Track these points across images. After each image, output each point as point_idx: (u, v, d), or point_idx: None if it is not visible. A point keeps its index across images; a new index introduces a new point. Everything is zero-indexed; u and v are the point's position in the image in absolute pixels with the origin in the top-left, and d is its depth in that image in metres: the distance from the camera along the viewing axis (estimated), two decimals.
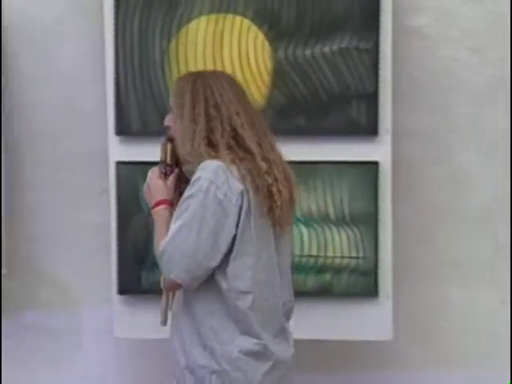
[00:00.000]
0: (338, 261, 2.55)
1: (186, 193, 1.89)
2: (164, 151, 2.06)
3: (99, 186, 2.76)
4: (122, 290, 2.59)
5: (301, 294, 2.51)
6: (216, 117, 1.95)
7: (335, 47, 2.51)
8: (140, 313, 2.59)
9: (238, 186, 1.88)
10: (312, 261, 2.54)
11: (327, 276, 2.55)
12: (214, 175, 1.86)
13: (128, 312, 2.61)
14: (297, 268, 2.52)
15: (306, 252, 2.55)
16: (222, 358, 1.90)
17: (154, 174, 2.04)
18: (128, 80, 2.53)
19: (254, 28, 2.51)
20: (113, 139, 2.57)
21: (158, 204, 1.99)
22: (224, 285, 1.89)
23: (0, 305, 2.81)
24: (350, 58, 2.51)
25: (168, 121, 2.07)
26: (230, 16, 2.52)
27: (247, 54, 2.52)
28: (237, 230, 1.88)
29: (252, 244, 1.90)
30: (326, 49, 2.51)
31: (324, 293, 2.55)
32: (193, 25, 2.52)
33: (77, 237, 2.90)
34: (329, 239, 2.54)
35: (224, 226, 1.86)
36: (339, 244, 2.55)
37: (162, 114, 2.46)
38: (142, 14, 2.52)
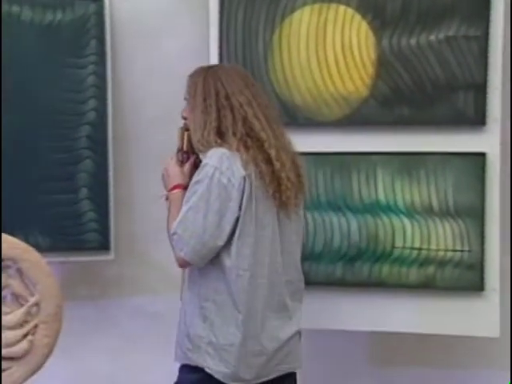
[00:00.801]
0: (441, 254, 2.49)
1: (194, 178, 2.06)
2: (181, 139, 2.21)
3: None
4: None
5: (403, 286, 2.52)
6: (226, 106, 2.09)
7: (442, 36, 2.44)
8: None
9: (241, 172, 2.03)
10: (415, 253, 2.50)
11: (430, 269, 2.50)
12: (218, 162, 2.02)
13: None
14: (399, 260, 2.50)
15: (408, 244, 2.51)
16: (219, 332, 2.04)
17: (172, 160, 2.20)
18: None
19: (358, 17, 2.49)
20: None
21: (174, 188, 2.15)
22: (228, 262, 2.04)
23: None
24: (457, 47, 2.44)
25: (184, 112, 2.20)
26: (333, 5, 2.50)
27: (350, 44, 2.49)
28: (239, 213, 2.02)
29: (252, 225, 2.04)
30: (433, 37, 2.45)
31: (427, 286, 2.50)
32: (296, 15, 2.52)
33: None
34: (432, 231, 2.49)
35: (228, 208, 2.01)
36: (443, 237, 2.49)
37: None
38: (247, 6, 2.54)
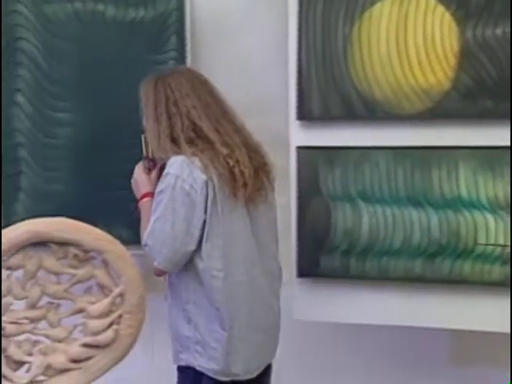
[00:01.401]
0: None
1: (158, 188, 2.10)
2: (146, 147, 2.26)
3: (280, 170, 2.82)
4: (301, 273, 2.63)
5: (485, 284, 2.45)
6: (176, 113, 2.14)
7: None
8: (318, 296, 2.62)
9: (202, 177, 2.07)
10: (498, 250, 2.43)
11: None
12: (179, 170, 2.06)
13: (306, 295, 2.65)
14: (481, 257, 2.44)
15: (491, 241, 2.44)
16: (204, 330, 2.09)
17: (139, 168, 2.27)
18: (310, 66, 2.54)
19: (441, 8, 2.43)
20: (294, 124, 2.61)
21: (143, 196, 2.21)
22: (200, 265, 2.08)
23: None
24: None
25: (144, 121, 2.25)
26: None
27: (433, 35, 2.44)
28: (205, 216, 2.07)
29: (219, 227, 2.09)
30: None
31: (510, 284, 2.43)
32: (376, 8, 2.48)
33: None
34: None
35: (193, 214, 2.06)
36: None
37: (344, 100, 2.53)
38: (326, 0, 2.53)
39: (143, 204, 2.20)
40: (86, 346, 1.74)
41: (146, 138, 2.26)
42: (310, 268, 2.61)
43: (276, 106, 2.81)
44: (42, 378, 1.72)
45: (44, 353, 1.71)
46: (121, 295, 1.78)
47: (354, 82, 2.50)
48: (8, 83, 2.59)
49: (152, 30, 2.66)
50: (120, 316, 1.77)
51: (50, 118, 2.64)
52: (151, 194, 2.18)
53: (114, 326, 1.76)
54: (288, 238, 2.64)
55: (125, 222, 2.65)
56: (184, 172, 2.07)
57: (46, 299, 1.76)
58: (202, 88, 2.23)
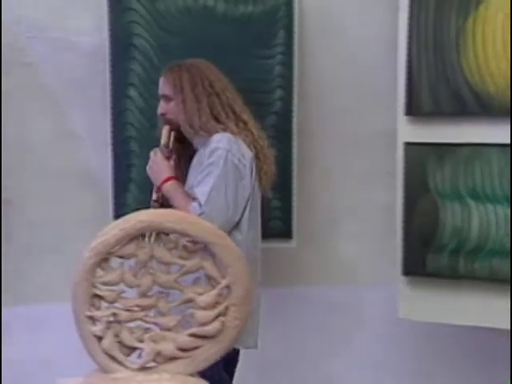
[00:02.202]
0: None
1: (206, 161, 2.21)
2: (167, 137, 2.35)
3: (387, 166, 2.78)
4: (407, 272, 2.58)
5: None
6: (212, 93, 2.31)
7: None
8: (424, 295, 2.57)
9: (249, 153, 2.27)
10: None
11: None
12: (228, 145, 2.21)
13: (411, 294, 2.60)
14: None
15: None
16: None
17: (158, 156, 2.33)
18: (421, 60, 2.49)
19: None
20: (402, 120, 2.56)
21: (167, 180, 2.28)
22: (239, 236, 2.22)
23: None
24: None
25: (163, 109, 2.37)
26: None
27: None
28: (250, 190, 2.25)
29: (255, 201, 2.30)
30: None
31: None
32: (494, 0, 2.40)
33: (364, 215, 2.97)
34: None
35: (241, 186, 2.22)
36: None
37: (455, 94, 2.46)
38: None
39: (170, 186, 2.28)
40: (193, 335, 1.77)
41: (169, 129, 2.36)
42: (416, 266, 2.56)
43: (383, 101, 2.78)
44: (152, 364, 1.77)
45: (154, 340, 1.76)
46: (227, 287, 1.80)
47: (466, 76, 2.43)
48: (121, 78, 2.67)
49: (260, 24, 2.68)
50: (226, 308, 1.79)
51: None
52: (174, 178, 2.29)
53: (221, 318, 1.78)
54: (393, 236, 2.61)
55: None
56: (233, 147, 2.22)
57: (156, 288, 1.81)
58: (224, 76, 2.39)
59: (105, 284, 1.77)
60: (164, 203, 2.31)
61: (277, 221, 2.78)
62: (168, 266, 1.81)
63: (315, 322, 3.03)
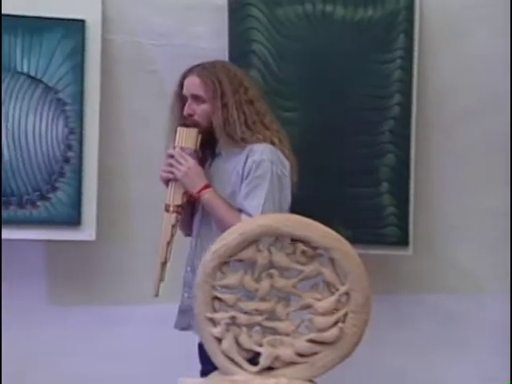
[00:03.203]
0: None
1: (253, 173, 2.15)
2: (195, 139, 2.22)
3: (506, 171, 2.70)
4: None
5: None
6: (248, 101, 2.22)
7: None
8: None
9: (287, 162, 2.22)
10: None
11: None
12: (271, 156, 2.17)
13: None
14: None
15: None
16: None
17: (191, 161, 2.21)
18: None
19: None
20: None
21: (205, 187, 2.20)
22: None
23: None
24: None
25: (192, 110, 2.24)
26: None
27: None
28: (290, 199, 2.21)
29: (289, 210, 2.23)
30: None
31: None
32: None
33: (482, 221, 2.89)
34: None
35: (284, 196, 2.19)
36: None
37: None
38: None
39: (210, 194, 2.20)
40: (311, 341, 1.77)
41: (198, 130, 2.25)
42: None
43: (504, 104, 2.70)
44: (270, 368, 1.78)
45: (272, 344, 1.77)
46: (346, 294, 1.78)
47: None
48: None
49: (380, 29, 2.66)
50: (345, 314, 1.78)
51: (277, 117, 2.72)
52: (210, 185, 2.21)
53: (340, 324, 1.77)
54: (506, 245, 2.52)
55: (343, 220, 2.67)
56: (275, 158, 2.18)
57: (274, 293, 1.82)
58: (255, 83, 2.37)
59: (224, 287, 1.80)
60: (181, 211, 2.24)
61: (393, 227, 2.74)
62: (286, 271, 1.82)
63: (431, 331, 2.97)
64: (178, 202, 2.24)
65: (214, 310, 1.80)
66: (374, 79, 2.68)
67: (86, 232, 2.66)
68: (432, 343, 2.96)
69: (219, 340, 1.79)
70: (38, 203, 2.63)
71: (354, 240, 2.55)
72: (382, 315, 2.94)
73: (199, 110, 2.26)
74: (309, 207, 2.55)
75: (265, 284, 1.80)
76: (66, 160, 2.66)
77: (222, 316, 1.78)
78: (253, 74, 2.69)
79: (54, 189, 2.65)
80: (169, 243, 2.21)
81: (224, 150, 2.27)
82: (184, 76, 2.30)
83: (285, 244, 1.81)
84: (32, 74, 2.62)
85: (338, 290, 1.79)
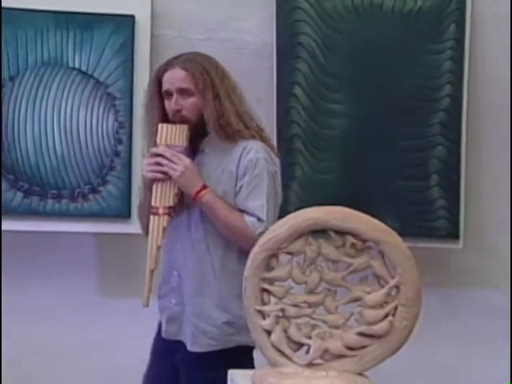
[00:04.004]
0: None
1: (251, 172, 2.07)
2: (185, 136, 2.06)
3: None
4: None
5: None
6: (232, 90, 2.10)
7: None
8: None
9: (277, 160, 2.15)
10: None
11: None
12: (265, 154, 2.09)
13: None
14: None
15: None
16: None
17: (187, 160, 2.06)
18: None
19: None
20: None
21: (204, 188, 2.06)
22: None
23: None
24: None
25: (179, 105, 2.07)
26: None
27: None
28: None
29: None
30: None
31: None
32: None
33: None
34: None
35: (277, 193, 2.13)
36: None
37: None
38: None
39: (210, 195, 2.07)
40: (361, 334, 1.76)
41: (188, 127, 2.09)
42: None
43: None
44: (319, 361, 1.77)
45: (322, 337, 1.76)
46: (396, 287, 1.76)
47: None
48: (287, 76, 2.71)
49: (430, 19, 2.64)
50: (395, 308, 1.75)
51: (325, 110, 2.72)
52: (207, 186, 2.08)
53: (389, 318, 1.74)
54: None
55: (392, 212, 2.66)
56: (267, 155, 2.11)
57: (323, 285, 1.81)
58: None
59: (274, 279, 1.80)
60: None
61: (443, 220, 2.71)
62: (335, 264, 1.81)
63: (479, 326, 2.93)
64: (170, 203, 2.09)
65: (263, 303, 1.80)
66: (423, 70, 2.66)
67: (136, 225, 2.69)
68: (480, 338, 2.93)
69: (268, 332, 1.79)
70: (89, 196, 2.68)
71: (401, 233, 2.56)
72: (431, 308, 2.92)
73: (187, 104, 2.10)
74: (356, 199, 2.55)
75: (313, 277, 1.80)
76: (116, 154, 2.70)
77: (271, 308, 1.78)
78: (300, 67, 2.69)
79: (105, 182, 2.69)
80: (159, 248, 2.09)
81: (209, 146, 2.15)
82: (162, 71, 2.14)
83: (334, 237, 1.80)
84: (83, 69, 2.67)
85: (387, 283, 1.77)
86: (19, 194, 2.64)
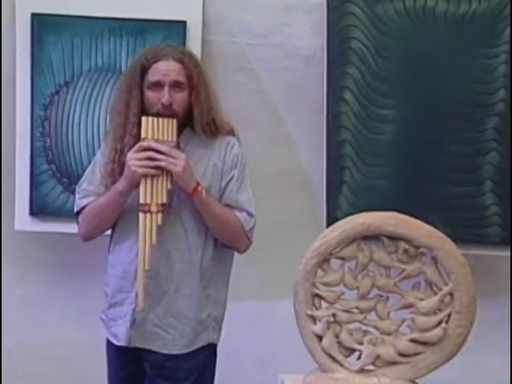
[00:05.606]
0: None
1: (238, 167, 2.11)
2: (175, 130, 2.00)
3: None
4: None
5: None
6: (213, 88, 2.12)
7: None
8: None
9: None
10: None
11: None
12: (242, 150, 2.15)
13: None
14: None
15: None
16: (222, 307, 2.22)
17: (183, 155, 2.00)
18: None
19: None
20: None
21: (198, 183, 2.03)
22: None
23: None
24: None
25: (170, 99, 2.01)
26: None
27: None
28: None
29: None
30: None
31: None
32: None
33: None
34: None
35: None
36: None
37: None
38: None
39: (204, 190, 2.03)
40: (413, 341, 1.74)
41: (176, 121, 2.02)
42: None
43: None
44: (371, 367, 1.76)
45: (373, 343, 1.75)
46: (450, 294, 1.74)
47: None
48: (337, 81, 2.70)
49: (484, 23, 2.59)
50: (449, 315, 1.74)
51: (375, 115, 2.70)
52: (199, 182, 2.04)
53: (443, 325, 1.73)
54: None
55: (444, 218, 2.63)
56: (242, 150, 2.16)
57: (375, 291, 1.80)
58: None
59: (325, 284, 1.80)
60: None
61: (496, 227, 2.66)
62: (387, 270, 1.80)
63: None
64: (163, 200, 2.01)
65: (315, 308, 1.80)
66: (477, 75, 2.61)
67: None
68: None
69: (320, 337, 1.78)
70: None
71: (453, 239, 2.53)
72: (482, 317, 2.87)
73: (178, 98, 2.04)
74: (407, 205, 2.52)
75: (365, 282, 1.79)
76: None
77: (323, 313, 1.78)
78: (351, 72, 2.68)
79: None
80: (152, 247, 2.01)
81: (184, 142, 2.09)
82: (151, 61, 2.04)
83: (386, 242, 1.79)
84: None
85: (441, 289, 1.76)
86: (73, 198, 2.69)
